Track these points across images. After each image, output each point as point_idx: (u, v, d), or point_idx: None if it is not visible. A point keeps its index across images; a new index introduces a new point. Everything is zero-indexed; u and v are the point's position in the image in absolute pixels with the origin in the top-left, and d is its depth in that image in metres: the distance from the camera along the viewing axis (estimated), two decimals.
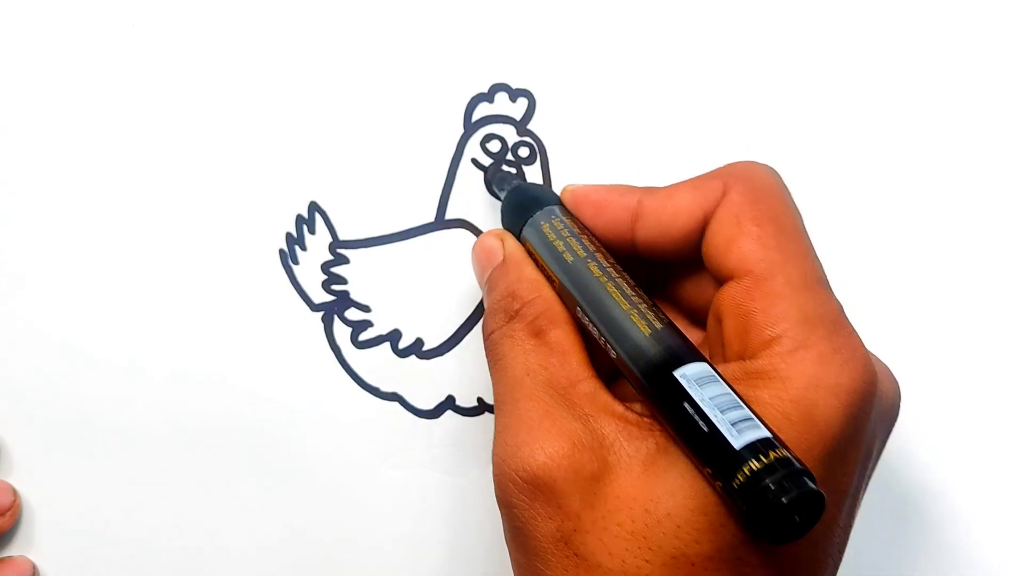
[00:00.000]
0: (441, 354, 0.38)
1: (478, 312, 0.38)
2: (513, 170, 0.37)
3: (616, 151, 0.37)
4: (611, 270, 0.29)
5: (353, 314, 0.38)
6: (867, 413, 0.26)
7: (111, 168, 0.37)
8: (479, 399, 0.38)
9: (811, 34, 0.38)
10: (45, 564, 0.37)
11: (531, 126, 0.37)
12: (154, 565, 0.38)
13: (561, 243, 0.30)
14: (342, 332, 0.38)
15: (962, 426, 0.38)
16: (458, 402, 0.38)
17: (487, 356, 0.31)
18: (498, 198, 0.36)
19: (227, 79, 0.37)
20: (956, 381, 0.38)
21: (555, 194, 0.33)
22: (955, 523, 0.38)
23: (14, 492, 0.37)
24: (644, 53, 0.38)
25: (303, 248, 0.37)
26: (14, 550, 0.37)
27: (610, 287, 0.28)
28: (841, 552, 0.27)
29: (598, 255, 0.30)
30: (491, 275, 0.32)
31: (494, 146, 0.37)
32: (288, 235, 0.37)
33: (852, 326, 0.27)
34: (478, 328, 0.38)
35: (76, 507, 0.37)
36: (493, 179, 0.36)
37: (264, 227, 0.37)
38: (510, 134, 0.37)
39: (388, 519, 0.38)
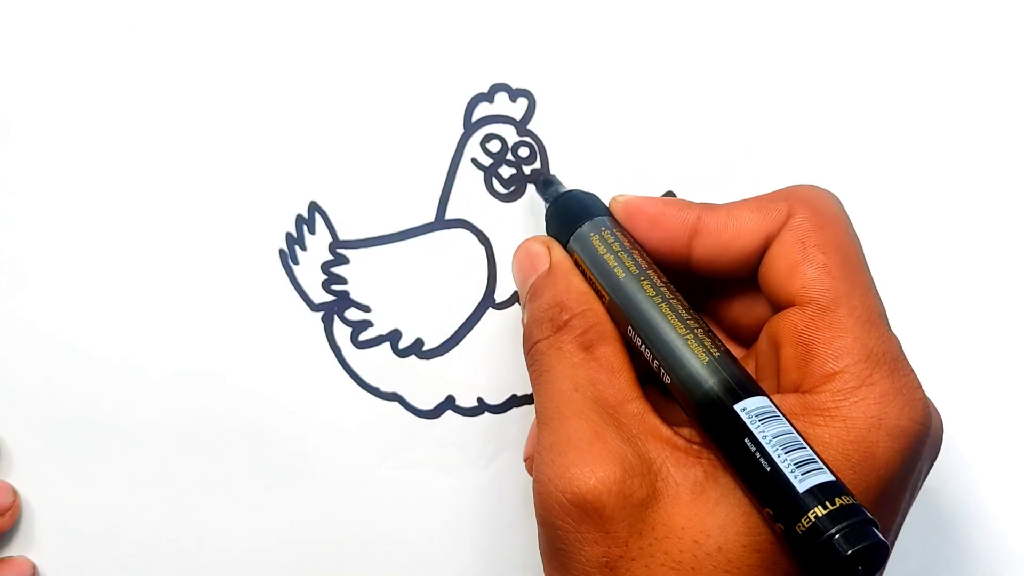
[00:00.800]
0: (441, 354, 0.38)
1: (478, 312, 0.38)
2: (559, 177, 0.36)
3: (616, 151, 0.37)
4: (665, 290, 0.28)
5: (353, 314, 0.38)
6: (920, 453, 0.26)
7: (111, 168, 0.37)
8: (479, 399, 0.38)
9: (811, 34, 0.38)
10: (45, 564, 0.37)
11: (531, 126, 0.37)
12: (154, 565, 0.38)
13: (612, 257, 0.29)
14: (342, 332, 0.38)
15: (968, 403, 0.38)
16: (458, 402, 0.38)
17: (530, 367, 0.30)
18: (499, 192, 0.36)
19: (227, 79, 0.37)
20: (958, 356, 0.38)
21: (603, 204, 0.32)
22: (961, 499, 0.38)
23: (14, 492, 0.37)
24: (644, 53, 0.38)
25: (303, 248, 0.37)
26: (14, 550, 0.37)
27: (665, 308, 0.28)
28: None
29: (651, 272, 0.29)
30: (535, 282, 0.31)
31: (494, 146, 0.37)
32: (288, 235, 0.37)
33: (911, 366, 0.27)
34: (478, 328, 0.38)
35: (76, 507, 0.37)
36: (538, 183, 0.36)
37: (264, 227, 0.37)
38: (510, 134, 0.37)
39: (388, 519, 0.38)
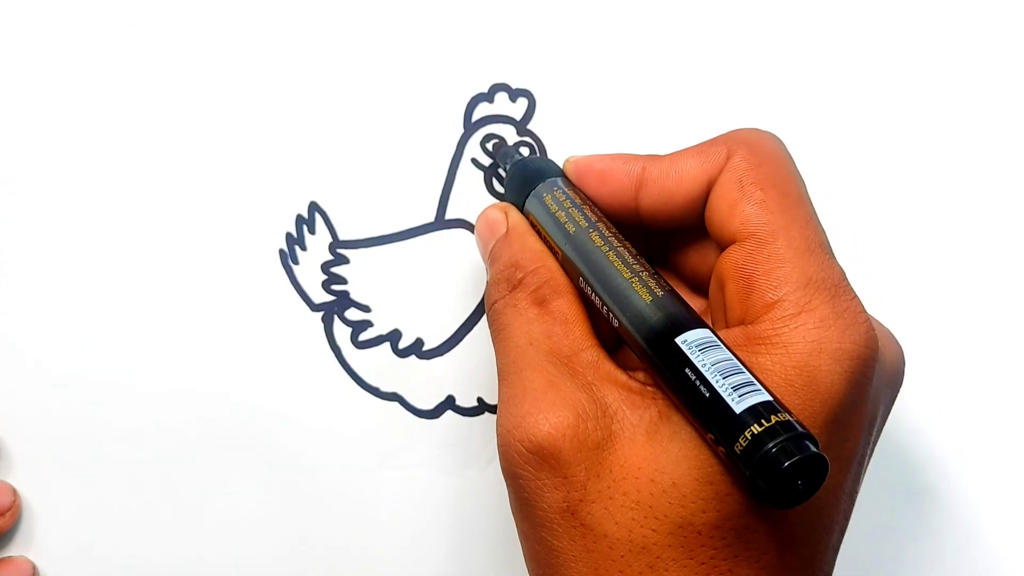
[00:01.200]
0: (441, 354, 0.38)
1: (478, 312, 0.38)
2: (525, 149, 0.36)
3: (616, 151, 0.37)
4: (613, 239, 0.29)
5: (353, 314, 0.38)
6: (869, 378, 0.26)
7: (111, 168, 0.37)
8: (479, 399, 0.38)
9: (811, 34, 0.38)
10: (45, 564, 0.37)
11: (531, 126, 0.37)
12: (154, 565, 0.38)
13: (563, 214, 0.30)
14: (342, 332, 0.38)
15: (969, 402, 0.38)
16: (458, 402, 0.38)
17: (490, 327, 0.30)
18: (499, 192, 0.36)
19: (227, 79, 0.37)
20: (960, 353, 0.38)
21: (558, 166, 0.33)
22: (961, 499, 0.38)
23: (14, 492, 0.37)
24: (644, 53, 0.38)
25: (303, 248, 0.37)
26: (14, 550, 0.37)
27: (612, 256, 0.29)
28: (847, 518, 0.28)
29: (600, 225, 0.30)
30: (495, 247, 0.32)
31: (494, 146, 0.37)
32: (288, 235, 0.37)
33: (854, 291, 0.27)
34: (478, 328, 0.38)
35: (76, 507, 0.37)
36: (498, 154, 0.36)
37: (264, 227, 0.37)
38: (510, 134, 0.37)
39: (388, 519, 0.38)
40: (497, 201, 0.37)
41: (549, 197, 0.31)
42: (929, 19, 0.38)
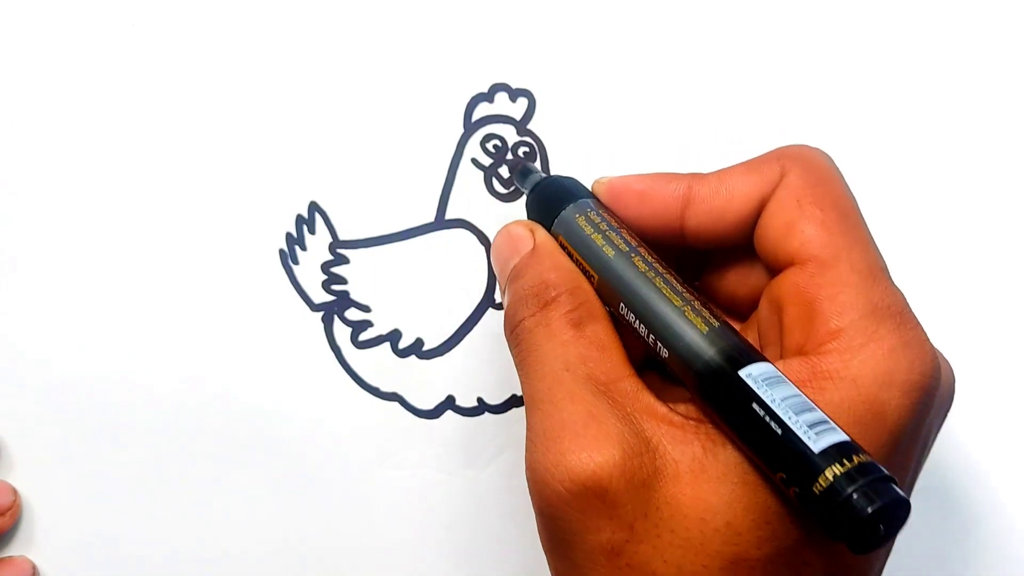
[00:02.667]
0: (441, 354, 0.38)
1: (478, 312, 0.38)
2: (538, 167, 0.35)
3: (616, 151, 0.37)
4: (657, 265, 0.28)
5: (353, 314, 0.38)
6: (930, 407, 0.25)
7: (111, 168, 0.37)
8: (479, 399, 0.38)
9: (812, 33, 0.38)
10: (45, 564, 0.37)
11: (531, 126, 0.37)
12: (153, 565, 0.38)
13: (600, 236, 0.29)
14: (342, 332, 0.38)
15: (969, 402, 0.38)
16: (458, 402, 0.38)
17: (514, 347, 0.28)
18: (499, 192, 0.36)
19: (227, 79, 0.37)
20: (960, 353, 0.38)
21: (586, 188, 0.32)
22: (961, 499, 0.38)
23: (14, 492, 0.37)
24: (644, 53, 0.38)
25: (303, 248, 0.37)
26: (14, 550, 0.37)
27: (659, 283, 0.27)
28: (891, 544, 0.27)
29: (640, 249, 0.28)
30: (518, 263, 0.30)
31: (494, 146, 0.37)
32: (288, 235, 0.37)
33: (917, 318, 0.26)
34: (478, 328, 0.38)
35: (76, 507, 0.37)
36: (514, 171, 0.35)
37: (264, 227, 0.37)
38: (510, 134, 0.37)
39: (388, 519, 0.38)
40: (497, 201, 0.37)
41: (582, 218, 0.29)
42: (934, 23, 0.38)
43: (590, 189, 0.31)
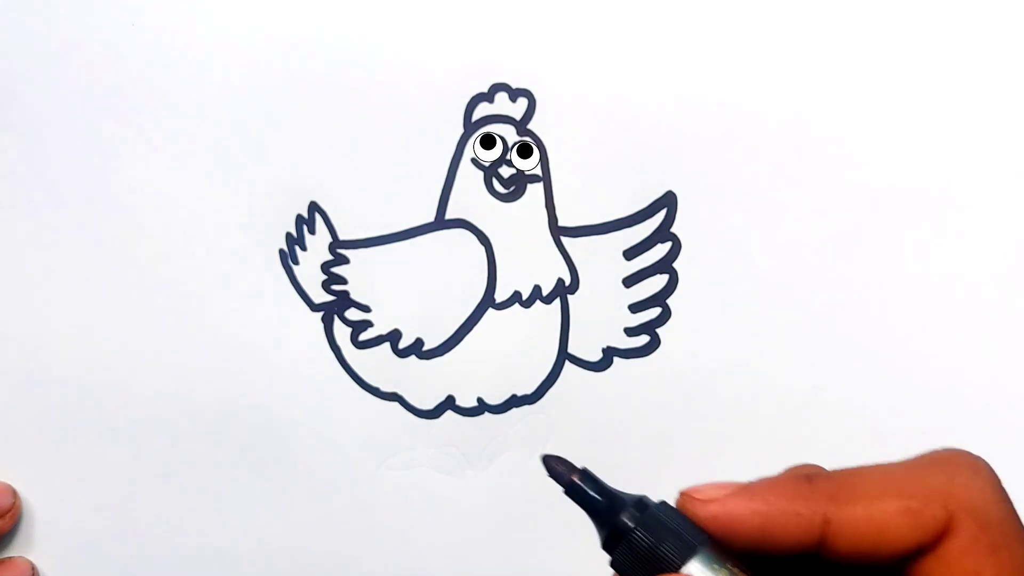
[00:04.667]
0: (441, 354, 0.38)
1: (478, 312, 0.38)
2: (595, 481, 0.25)
3: (616, 151, 0.37)
4: None
5: (353, 314, 0.38)
6: None
7: (111, 168, 0.37)
8: (479, 399, 0.38)
9: (812, 33, 0.38)
10: (45, 564, 0.37)
11: (531, 126, 0.37)
12: (153, 565, 0.38)
13: None
14: (342, 332, 0.38)
15: (968, 402, 0.38)
16: (458, 402, 0.38)
17: None
18: (499, 192, 0.36)
19: (227, 79, 0.37)
20: (959, 354, 0.38)
21: (685, 518, 0.24)
22: None
23: (14, 494, 0.37)
24: (644, 53, 0.38)
25: (303, 248, 0.37)
26: (14, 550, 0.37)
27: None
28: None
29: None
30: None
31: (494, 146, 0.37)
32: (288, 235, 0.37)
33: None
34: (478, 328, 0.38)
35: (76, 507, 0.37)
36: (571, 485, 0.24)
37: (264, 227, 0.37)
38: (510, 134, 0.37)
39: (388, 519, 0.38)
40: (497, 201, 0.37)
41: None
42: (938, 26, 0.38)
43: (679, 501, 0.24)
